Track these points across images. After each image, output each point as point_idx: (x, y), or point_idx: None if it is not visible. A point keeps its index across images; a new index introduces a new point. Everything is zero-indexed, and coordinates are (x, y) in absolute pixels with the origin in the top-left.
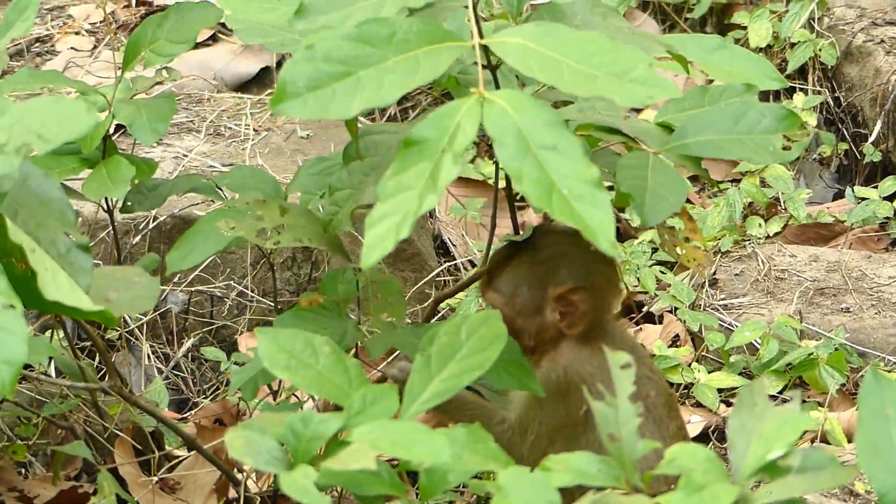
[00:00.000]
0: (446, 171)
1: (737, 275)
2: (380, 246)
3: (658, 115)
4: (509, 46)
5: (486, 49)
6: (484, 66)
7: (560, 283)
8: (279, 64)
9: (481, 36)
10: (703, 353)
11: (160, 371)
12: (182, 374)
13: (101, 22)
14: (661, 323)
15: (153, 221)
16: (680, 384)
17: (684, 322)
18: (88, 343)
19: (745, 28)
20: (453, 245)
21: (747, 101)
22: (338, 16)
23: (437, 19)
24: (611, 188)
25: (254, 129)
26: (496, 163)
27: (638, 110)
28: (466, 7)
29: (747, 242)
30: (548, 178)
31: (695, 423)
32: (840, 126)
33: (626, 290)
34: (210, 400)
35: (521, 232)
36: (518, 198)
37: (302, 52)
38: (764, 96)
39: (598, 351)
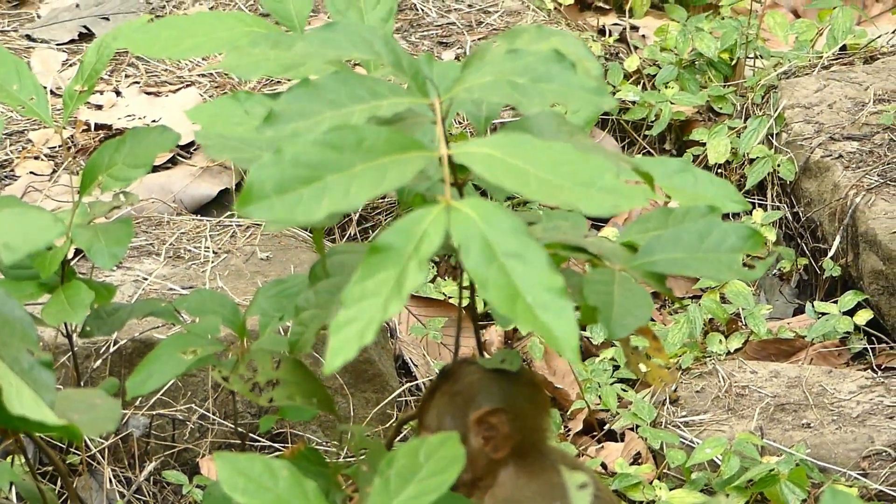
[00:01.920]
0: (412, 278)
1: (697, 392)
2: (343, 351)
3: (622, 234)
4: (476, 156)
5: (451, 166)
6: (452, 184)
7: (478, 408)
8: (238, 186)
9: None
10: (664, 471)
11: (122, 495)
12: (144, 498)
13: (60, 146)
14: (622, 440)
15: (113, 345)
16: (642, 502)
17: (645, 439)
18: (50, 468)
19: (703, 144)
20: (414, 365)
21: (711, 220)
22: (306, 124)
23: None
24: (577, 308)
25: (213, 252)
26: (459, 283)
27: (598, 227)
28: (434, 122)
29: (708, 359)
30: (512, 285)
31: None
32: (799, 241)
33: (587, 407)
34: None
35: (484, 352)
36: (481, 317)
37: (270, 155)
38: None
39: (536, 476)
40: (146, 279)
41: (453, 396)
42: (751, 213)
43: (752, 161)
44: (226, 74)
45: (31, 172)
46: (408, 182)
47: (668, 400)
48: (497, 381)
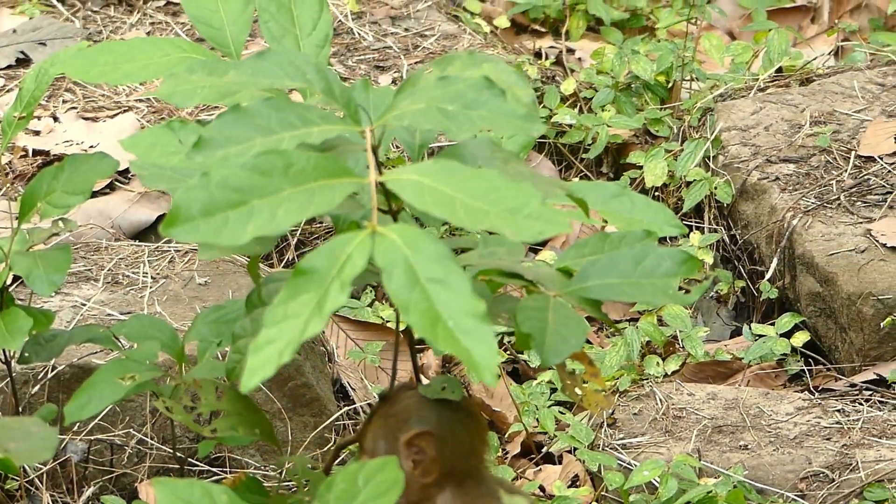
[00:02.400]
0: (333, 299)
1: (635, 414)
2: (261, 371)
3: (558, 260)
4: (405, 182)
5: (386, 193)
6: (385, 211)
7: (408, 430)
8: None
9: (379, 174)
10: (602, 493)
11: None
12: None
13: None
14: (560, 463)
15: (52, 371)
16: None
17: (583, 462)
18: None
19: (640, 167)
20: (352, 389)
21: (647, 245)
22: (236, 149)
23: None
24: (512, 333)
25: (152, 277)
26: (396, 307)
27: (535, 251)
28: (366, 150)
29: (645, 381)
30: (434, 310)
31: None
32: (736, 264)
33: (525, 430)
34: None
35: (422, 376)
36: (419, 340)
37: (197, 178)
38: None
39: (473, 501)
40: (84, 305)
41: (387, 419)
42: (688, 235)
43: (689, 184)
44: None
45: None
46: (336, 207)
47: (605, 422)
48: (431, 406)
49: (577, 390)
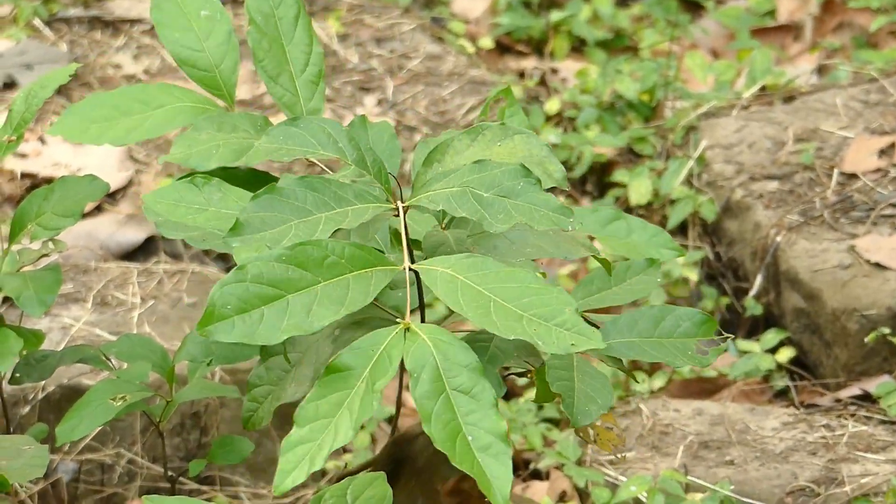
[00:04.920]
0: (364, 409)
1: (622, 430)
2: (293, 474)
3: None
4: (439, 276)
5: (410, 250)
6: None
7: (444, 478)
8: None
9: (412, 259)
10: None
11: None
12: None
13: None
14: (547, 479)
15: (42, 392)
16: None
17: (571, 478)
18: None
19: (625, 186)
20: None
21: (665, 307)
22: (272, 234)
23: (369, 236)
24: (529, 378)
25: (140, 298)
26: None
27: None
28: (399, 231)
29: (632, 398)
30: (456, 422)
31: None
32: (721, 280)
33: (513, 447)
34: None
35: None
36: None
37: (233, 273)
38: None
39: None
40: (73, 326)
41: (419, 476)
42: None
43: (673, 202)
44: None
45: None
46: (369, 302)
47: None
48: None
49: (591, 430)
